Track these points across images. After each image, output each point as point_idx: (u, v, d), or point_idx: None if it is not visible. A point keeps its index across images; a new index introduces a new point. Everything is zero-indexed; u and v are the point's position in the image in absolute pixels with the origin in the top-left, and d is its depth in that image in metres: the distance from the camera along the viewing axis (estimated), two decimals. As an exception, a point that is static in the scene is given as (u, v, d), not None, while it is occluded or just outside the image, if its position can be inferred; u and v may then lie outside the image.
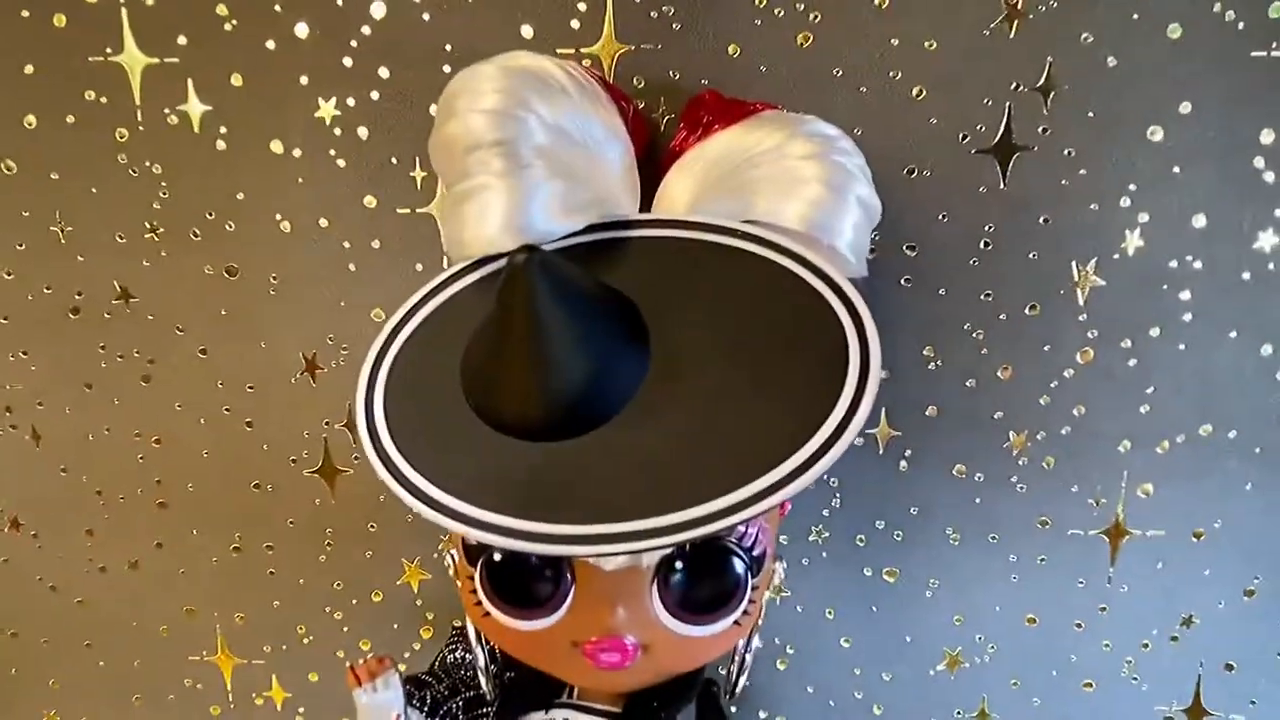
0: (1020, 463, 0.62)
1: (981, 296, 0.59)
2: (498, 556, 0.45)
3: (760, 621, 0.51)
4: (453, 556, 0.50)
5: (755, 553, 0.45)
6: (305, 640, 0.70)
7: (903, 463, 0.63)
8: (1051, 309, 0.59)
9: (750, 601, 0.46)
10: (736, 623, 0.46)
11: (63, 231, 0.62)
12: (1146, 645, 0.65)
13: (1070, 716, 0.66)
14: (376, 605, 0.69)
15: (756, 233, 0.43)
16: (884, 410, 0.62)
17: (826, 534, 0.65)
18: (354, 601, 0.69)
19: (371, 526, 0.67)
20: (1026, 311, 0.59)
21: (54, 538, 0.68)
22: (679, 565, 0.44)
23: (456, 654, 0.55)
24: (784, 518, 0.53)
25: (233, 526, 0.67)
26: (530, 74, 0.44)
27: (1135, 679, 0.65)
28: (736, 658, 0.51)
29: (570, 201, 0.43)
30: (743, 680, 0.51)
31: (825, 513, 0.65)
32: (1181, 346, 0.59)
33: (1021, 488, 0.62)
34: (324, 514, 0.67)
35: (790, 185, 0.45)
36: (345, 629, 0.69)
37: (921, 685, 0.67)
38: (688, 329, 0.41)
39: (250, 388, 0.64)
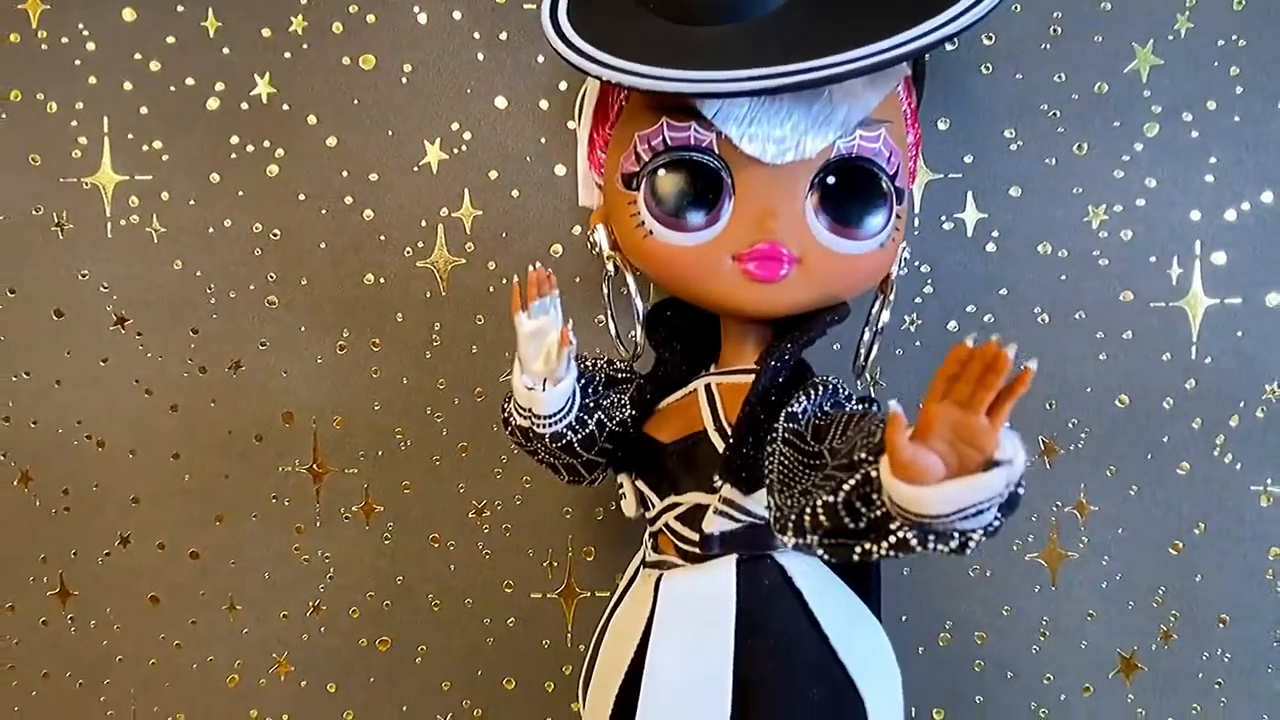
0: (1100, 235, 0.66)
1: (1055, 78, 0.66)
2: (662, 172, 0.48)
3: (893, 296, 0.54)
4: (599, 233, 0.53)
5: (897, 183, 0.49)
6: (403, 445, 0.69)
7: (990, 244, 0.67)
8: (1118, 87, 0.65)
9: (895, 229, 0.49)
10: (881, 245, 0.49)
11: (212, 26, 0.67)
12: (1236, 420, 0.66)
13: (1169, 501, 0.67)
14: (479, 404, 0.69)
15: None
16: (970, 193, 0.67)
17: (920, 321, 0.68)
18: (455, 401, 0.69)
19: (479, 319, 0.69)
20: (1095, 90, 0.66)
21: (158, 336, 0.69)
22: (831, 180, 0.47)
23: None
24: (916, 160, 0.55)
25: (340, 322, 0.69)
26: None
27: (1229, 458, 0.67)
28: (868, 330, 0.53)
29: None
30: (874, 351, 0.53)
31: (917, 300, 0.68)
32: (1236, 119, 0.65)
33: (1104, 262, 0.66)
34: (433, 307, 0.68)
35: None
36: (444, 432, 0.69)
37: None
38: None
39: (373, 177, 0.68)
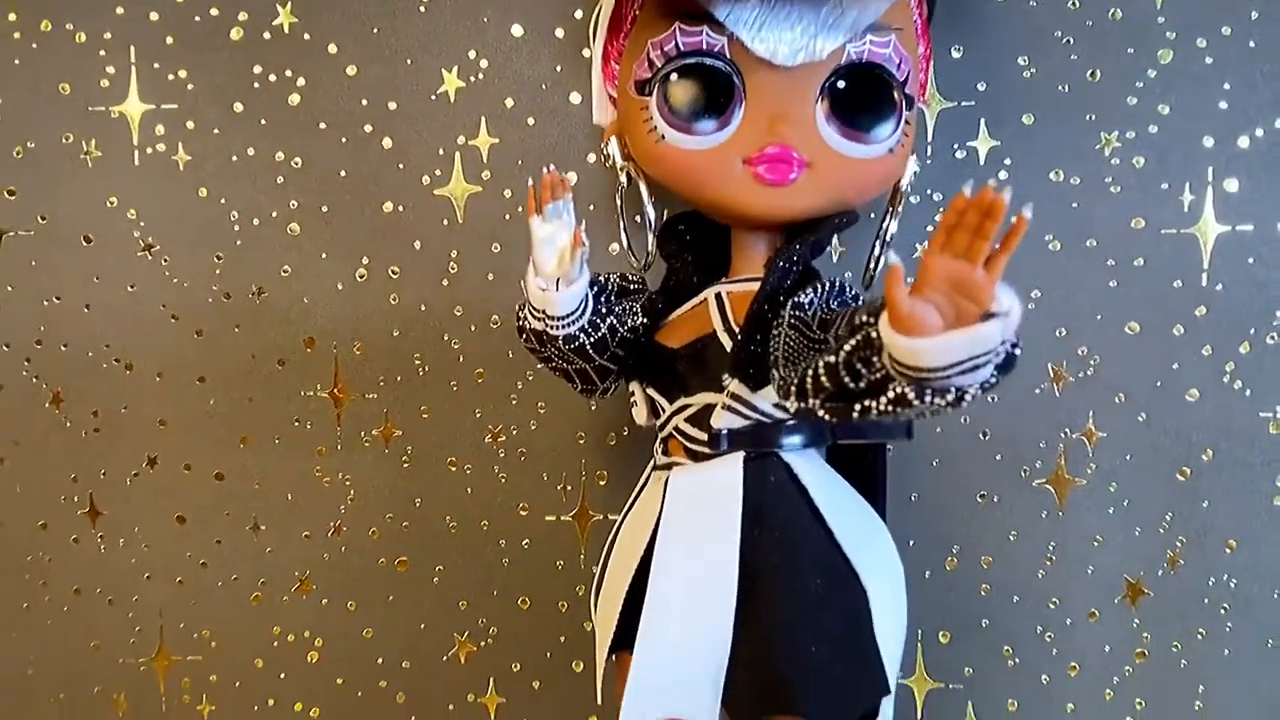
0: (1113, 163, 0.66)
1: (1069, 5, 0.66)
2: (674, 77, 0.49)
3: (902, 209, 0.55)
4: (612, 145, 0.54)
5: (907, 89, 0.49)
6: (421, 371, 0.71)
7: (1002, 172, 0.67)
8: (1132, 13, 0.65)
9: (904, 135, 0.50)
10: (890, 150, 0.50)
11: (235, -43, 0.69)
12: (1246, 347, 0.67)
13: (1177, 428, 0.67)
14: (495, 331, 0.70)
15: None
16: (982, 120, 0.67)
17: (931, 249, 0.68)
18: (472, 328, 0.71)
19: (495, 247, 0.70)
20: (1109, 16, 0.66)
21: (184, 262, 0.71)
22: (841, 85, 0.48)
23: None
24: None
25: (360, 250, 0.70)
26: None
27: (1238, 385, 0.67)
28: (878, 243, 0.54)
29: None
30: (883, 263, 0.54)
31: (929, 228, 0.68)
32: (1251, 44, 0.65)
33: (1116, 189, 0.67)
34: (451, 235, 0.70)
35: None
36: (461, 358, 0.71)
37: (1028, 405, 0.68)
38: None
39: (392, 105, 0.69)
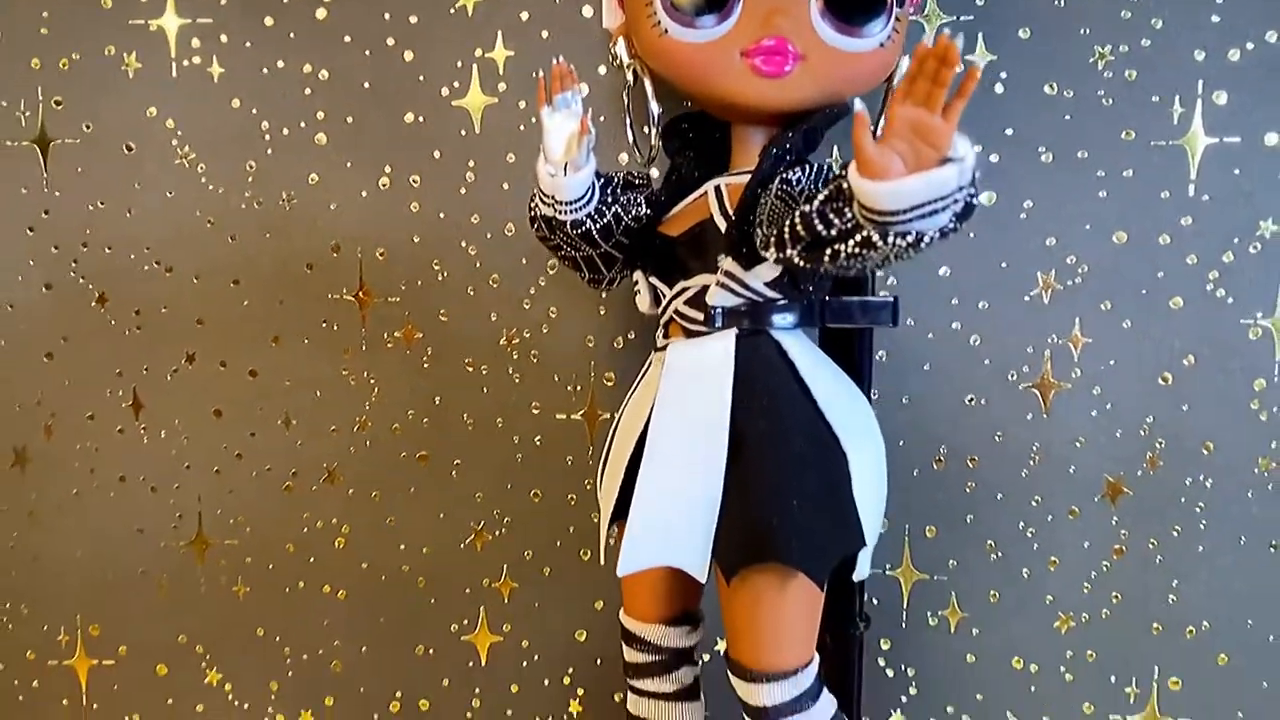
0: (1105, 76, 0.69)
1: (1066, -81, 0.68)
2: (679, -28, 0.52)
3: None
4: (619, 46, 0.58)
5: (897, -14, 0.52)
6: (440, 276, 0.75)
7: (998, 85, 0.70)
8: (1128, -72, 0.67)
9: (895, 31, 0.53)
10: (881, 45, 0.53)
11: (265, -123, 0.72)
12: (1229, 256, 0.69)
13: (1160, 335, 0.70)
14: (509, 238, 0.74)
15: None
16: (980, 35, 0.69)
17: (927, 161, 0.71)
18: (488, 235, 0.74)
19: (510, 157, 0.73)
20: (1106, -69, 0.68)
21: (218, 169, 0.75)
22: (835, -19, 0.51)
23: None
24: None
25: (383, 159, 0.74)
26: None
27: (1221, 293, 0.70)
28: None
29: None
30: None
31: (926, 140, 0.71)
32: (1245, -41, 0.67)
33: (1107, 101, 0.69)
34: (468, 145, 0.73)
35: None
36: (478, 264, 0.75)
37: (1017, 312, 0.72)
38: None
39: (413, 19, 0.72)
